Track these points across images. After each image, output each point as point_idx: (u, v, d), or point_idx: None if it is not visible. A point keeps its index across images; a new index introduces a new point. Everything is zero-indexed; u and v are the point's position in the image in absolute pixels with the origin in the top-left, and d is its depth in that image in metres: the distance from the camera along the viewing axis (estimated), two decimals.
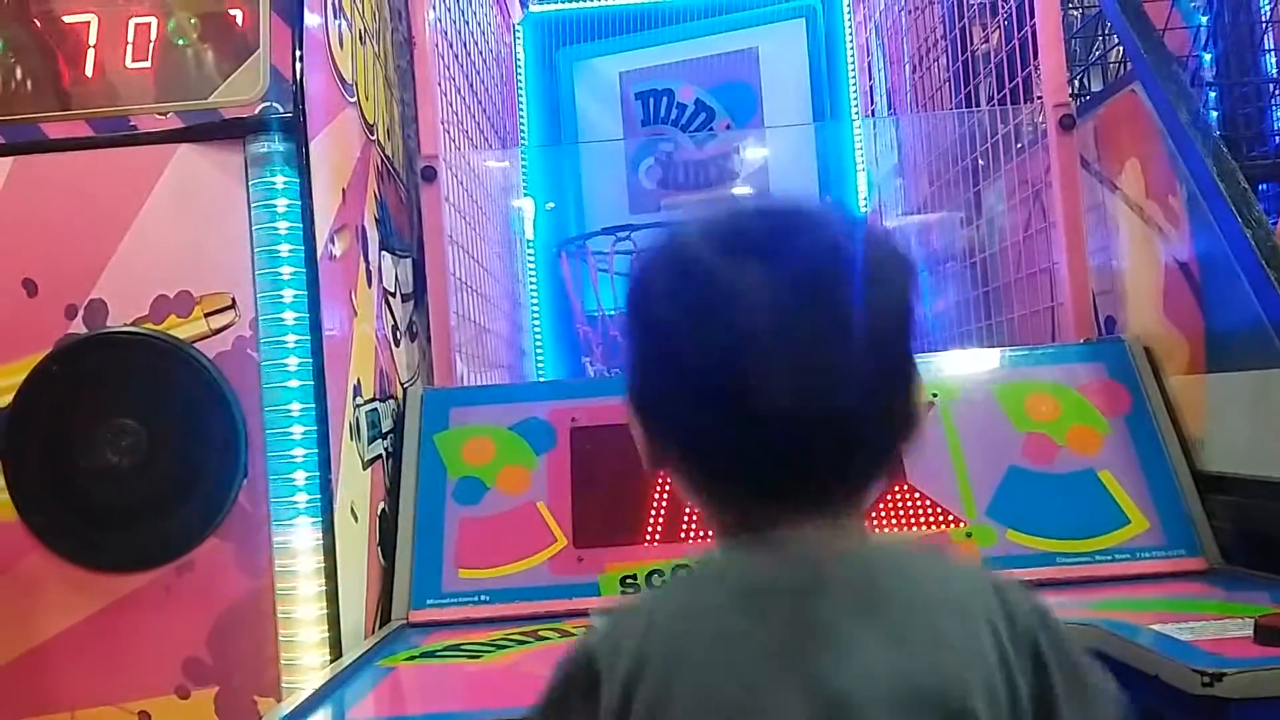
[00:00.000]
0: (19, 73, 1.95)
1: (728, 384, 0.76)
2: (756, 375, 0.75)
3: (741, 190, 3.51)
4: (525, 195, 3.61)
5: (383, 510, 2.00)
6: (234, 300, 1.70)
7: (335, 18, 1.93)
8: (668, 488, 2.01)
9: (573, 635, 1.71)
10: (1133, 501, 1.95)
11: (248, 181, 1.70)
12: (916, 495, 1.97)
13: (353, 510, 1.82)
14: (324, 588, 1.68)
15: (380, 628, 1.88)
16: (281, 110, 1.70)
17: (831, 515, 0.79)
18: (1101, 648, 1.46)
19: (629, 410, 0.85)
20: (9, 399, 1.69)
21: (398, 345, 2.24)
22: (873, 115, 3.58)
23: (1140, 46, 2.03)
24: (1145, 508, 1.94)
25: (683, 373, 0.79)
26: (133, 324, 1.70)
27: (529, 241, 3.59)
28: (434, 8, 2.48)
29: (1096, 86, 3.19)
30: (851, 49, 3.65)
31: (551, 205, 3.65)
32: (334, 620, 1.69)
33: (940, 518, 1.95)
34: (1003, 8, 2.59)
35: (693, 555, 1.87)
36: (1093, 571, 1.87)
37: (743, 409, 0.76)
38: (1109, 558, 1.89)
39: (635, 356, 0.85)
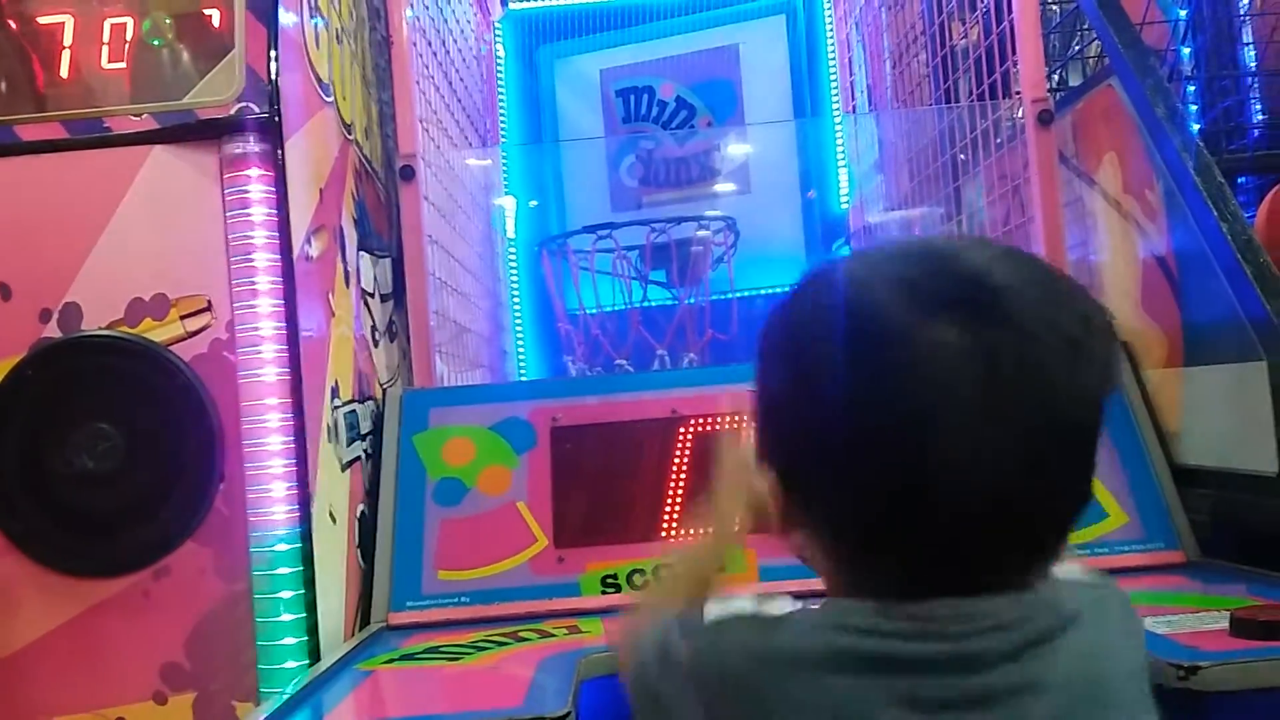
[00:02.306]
0: None
1: (910, 464, 0.67)
2: (948, 460, 0.66)
3: (721, 187, 3.50)
4: (506, 193, 3.60)
5: (362, 512, 1.99)
6: (210, 303, 1.69)
7: (311, 17, 1.92)
8: (648, 487, 2.01)
9: (553, 636, 1.72)
10: (1111, 495, 1.95)
11: (223, 182, 1.69)
12: None
13: (331, 513, 1.81)
14: (302, 592, 1.68)
15: (359, 630, 1.87)
16: (257, 110, 1.69)
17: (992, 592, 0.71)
18: None
19: (762, 465, 0.77)
20: None
21: (376, 346, 2.23)
22: (853, 111, 3.58)
23: (1117, 41, 2.04)
24: (1124, 502, 1.95)
25: (849, 444, 0.68)
26: (108, 327, 1.69)
27: (510, 240, 3.58)
28: (412, 6, 2.47)
29: (1075, 81, 3.20)
30: (832, 45, 3.65)
31: (534, 203, 3.64)
32: (312, 624, 1.68)
33: None
34: (981, 3, 2.60)
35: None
36: None
37: (922, 497, 0.67)
38: (1088, 552, 1.89)
39: (783, 408, 0.75)
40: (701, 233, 3.09)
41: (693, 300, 3.10)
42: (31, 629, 1.69)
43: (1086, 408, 0.69)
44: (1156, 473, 1.96)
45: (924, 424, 0.66)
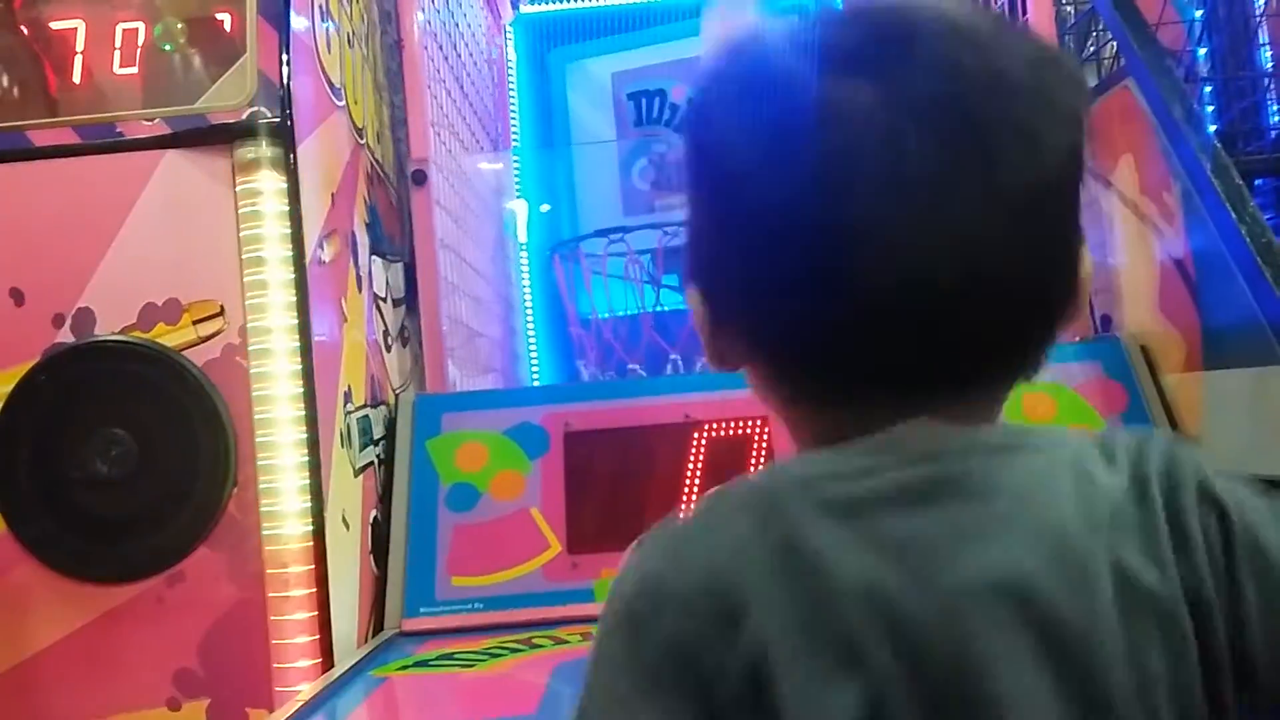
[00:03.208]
0: (5, 80, 1.94)
1: (835, 245, 0.56)
2: (877, 234, 0.55)
3: None
4: (518, 197, 3.60)
5: (375, 518, 1.98)
6: (222, 308, 1.69)
7: (323, 21, 1.91)
8: (661, 492, 2.00)
9: (567, 642, 1.71)
10: None
11: (236, 187, 1.69)
12: None
13: (344, 518, 1.81)
14: (316, 597, 1.67)
15: (373, 636, 1.86)
16: (269, 115, 1.69)
17: (961, 408, 0.60)
18: None
19: (687, 290, 0.66)
20: None
21: (389, 351, 2.22)
22: None
23: (1133, 41, 2.02)
24: None
25: (770, 234, 0.58)
26: (121, 333, 1.69)
27: (521, 244, 3.58)
28: (423, 9, 2.47)
29: (1091, 82, 3.18)
30: None
31: (546, 208, 3.64)
32: (326, 629, 1.67)
33: None
34: (995, 4, 2.58)
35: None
36: None
37: (856, 279, 0.56)
38: None
39: (698, 214, 0.65)
40: None
41: None
42: (45, 635, 1.68)
43: (1038, 159, 0.57)
44: None
45: (841, 200, 0.55)
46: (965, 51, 0.57)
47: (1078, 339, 2.19)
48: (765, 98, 0.58)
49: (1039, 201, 0.58)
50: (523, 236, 3.58)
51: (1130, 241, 2.17)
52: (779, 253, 0.58)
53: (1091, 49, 3.17)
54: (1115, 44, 2.52)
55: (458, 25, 2.96)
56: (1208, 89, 3.16)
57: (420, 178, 2.32)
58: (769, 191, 0.57)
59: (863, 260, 0.56)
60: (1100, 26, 2.87)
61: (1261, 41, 3.17)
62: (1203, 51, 3.01)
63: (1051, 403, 2.04)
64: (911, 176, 0.55)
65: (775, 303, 0.60)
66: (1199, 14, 3.12)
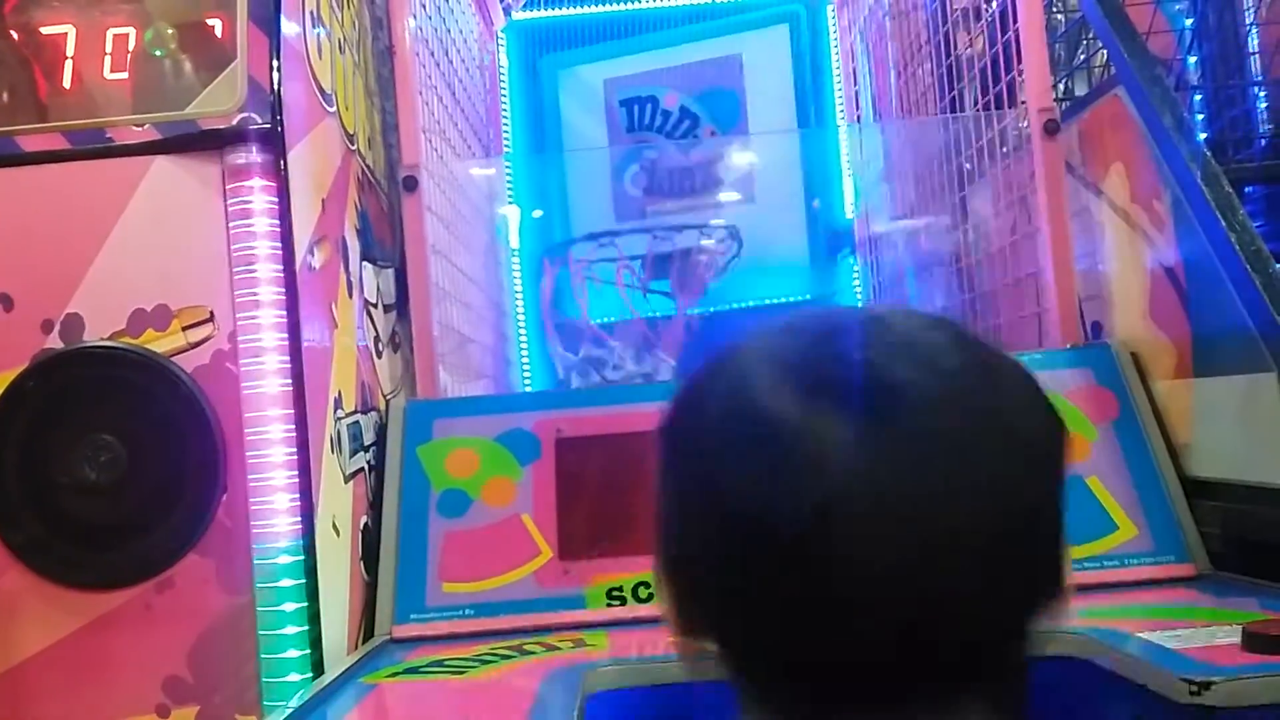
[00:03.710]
0: None
1: (809, 555, 0.59)
2: (849, 547, 0.58)
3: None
4: (510, 203, 3.59)
5: (365, 524, 1.97)
6: (212, 313, 1.68)
7: (314, 27, 1.91)
8: (654, 498, 2.00)
9: (558, 649, 1.70)
10: (1121, 508, 1.94)
11: (225, 193, 1.68)
12: None
13: (334, 525, 1.80)
14: (305, 604, 1.66)
15: (363, 643, 1.86)
16: (259, 121, 1.69)
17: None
18: (1090, 657, 1.46)
19: (656, 573, 0.70)
20: None
21: (380, 357, 2.22)
22: (859, 119, 3.57)
23: (1123, 50, 2.03)
24: (1134, 514, 1.93)
25: (746, 539, 0.61)
26: (110, 338, 1.68)
27: (514, 250, 3.57)
28: (415, 15, 2.47)
29: (1081, 90, 3.19)
30: (836, 55, 3.64)
31: (539, 214, 3.63)
32: (315, 637, 1.67)
33: None
34: (986, 12, 2.59)
35: None
36: (1081, 579, 1.85)
37: (826, 590, 0.59)
38: (1097, 564, 1.88)
39: (671, 506, 0.69)
40: (706, 241, 3.09)
41: (694, 310, 3.09)
42: (33, 642, 1.68)
43: (1005, 505, 0.60)
44: (1166, 484, 1.94)
45: (822, 535, 0.58)
46: (954, 394, 0.61)
47: (1068, 345, 2.19)
48: (738, 417, 0.62)
49: (1013, 532, 0.61)
50: (515, 242, 3.58)
51: (1121, 249, 2.18)
52: (759, 563, 0.61)
53: (1082, 57, 3.18)
54: (1106, 52, 2.53)
55: (449, 31, 2.96)
56: (1198, 97, 3.18)
57: (411, 184, 2.31)
58: (734, 502, 0.61)
59: (824, 584, 0.59)
60: (1091, 34, 2.89)
61: (1251, 50, 3.18)
62: (1193, 60, 3.02)
63: None
64: (884, 510, 0.58)
65: (725, 604, 0.64)
66: (1189, 22, 3.13)
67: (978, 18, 2.85)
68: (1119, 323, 2.20)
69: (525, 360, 3.52)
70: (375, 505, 2.02)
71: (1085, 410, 2.04)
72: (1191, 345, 1.95)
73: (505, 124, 3.72)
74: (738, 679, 0.67)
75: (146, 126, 1.72)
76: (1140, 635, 1.49)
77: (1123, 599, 1.77)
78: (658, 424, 0.71)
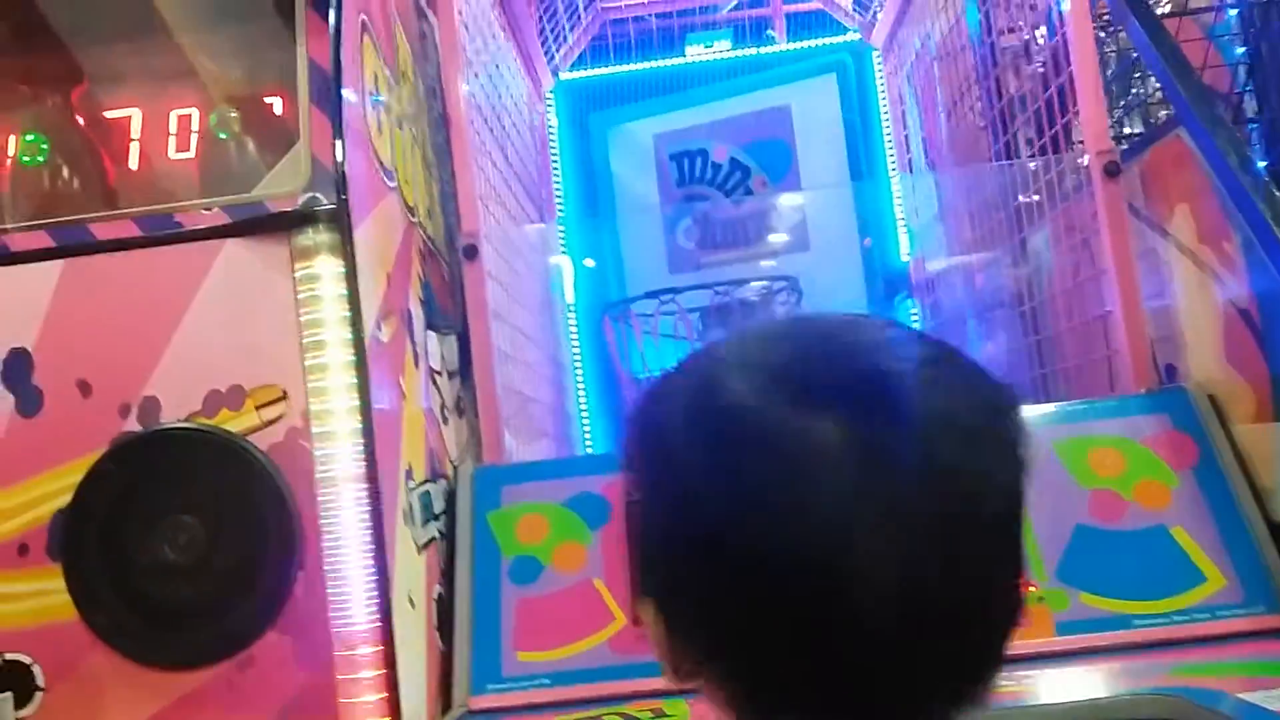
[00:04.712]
0: (65, 172, 1.99)
1: (799, 578, 0.58)
2: (840, 566, 0.57)
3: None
4: (564, 257, 3.62)
5: (439, 594, 1.98)
6: (285, 392, 1.70)
7: (373, 106, 1.95)
8: None
9: (636, 719, 1.68)
10: (1207, 557, 1.89)
11: (294, 273, 1.70)
12: None
13: (410, 597, 1.80)
14: (385, 679, 1.66)
15: (442, 715, 1.85)
16: (325, 201, 1.71)
17: None
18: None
19: (640, 604, 0.67)
20: (68, 499, 1.69)
21: (446, 423, 2.23)
22: (909, 165, 3.56)
23: (1183, 90, 2.00)
24: (1221, 563, 1.88)
25: (733, 563, 0.59)
26: (186, 420, 1.71)
27: (569, 305, 3.60)
28: (468, 81, 2.51)
29: (1133, 125, 3.16)
30: (884, 100, 3.65)
31: (590, 262, 3.66)
32: (395, 712, 1.66)
33: None
34: (1037, 54, 2.58)
35: None
36: (1171, 633, 1.81)
37: (802, 607, 0.58)
38: (1187, 618, 1.83)
39: (653, 525, 0.65)
40: (756, 282, 3.07)
41: None
42: None
43: (988, 498, 0.61)
44: (1254, 531, 1.89)
45: (809, 536, 0.57)
46: (935, 402, 0.60)
47: (1143, 390, 2.15)
48: (721, 426, 0.60)
49: (985, 534, 0.61)
50: (570, 297, 3.60)
51: (1191, 290, 2.14)
52: (729, 576, 0.59)
53: (1134, 92, 3.15)
54: (1160, 89, 2.51)
55: (500, 96, 3.01)
56: (1253, 127, 3.13)
57: (471, 252, 2.34)
58: (722, 515, 0.59)
59: (809, 587, 0.58)
60: (1141, 69, 2.86)
61: None
62: (1249, 92, 2.98)
63: (1120, 457, 2.00)
64: (861, 511, 0.57)
65: (725, 624, 0.61)
66: (1240, 50, 3.09)
67: (1027, 54, 2.84)
68: (1194, 365, 2.16)
69: (584, 413, 3.53)
70: (448, 574, 2.02)
71: (1165, 457, 2.00)
72: (1271, 386, 1.90)
73: (557, 182, 3.76)
74: (739, 709, 0.64)
75: (215, 210, 1.75)
76: (1239, 696, 1.44)
77: (1214, 654, 1.72)
78: (627, 431, 0.67)
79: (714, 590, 0.61)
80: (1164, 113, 3.05)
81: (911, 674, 0.60)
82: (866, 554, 0.57)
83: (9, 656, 1.70)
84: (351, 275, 1.71)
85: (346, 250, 1.71)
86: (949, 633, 0.60)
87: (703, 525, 0.60)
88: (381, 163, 1.97)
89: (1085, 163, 2.28)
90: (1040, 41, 2.79)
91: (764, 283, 3.06)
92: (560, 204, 3.73)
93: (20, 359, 1.73)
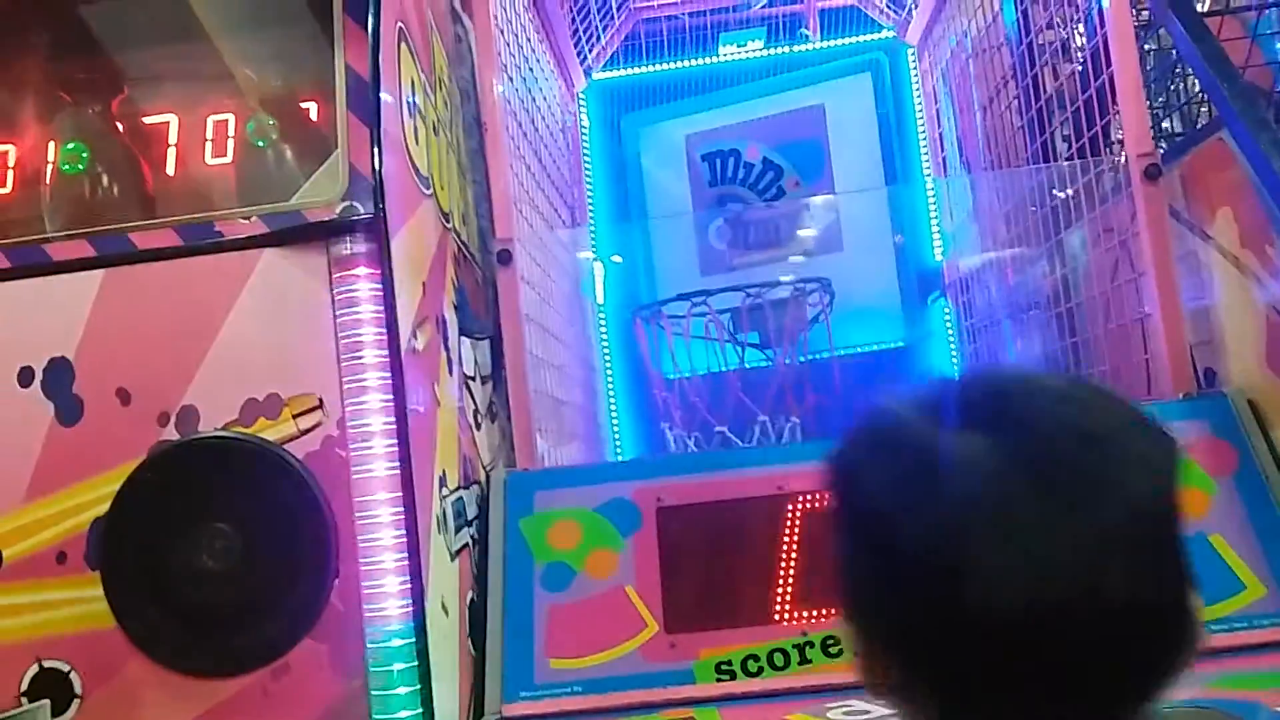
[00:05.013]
0: (105, 180, 2.01)
1: (953, 582, 0.63)
2: (986, 570, 0.63)
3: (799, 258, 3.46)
4: (595, 261, 3.62)
5: (472, 600, 1.98)
6: (321, 400, 1.71)
7: (410, 115, 1.95)
8: (757, 567, 1.98)
9: None
10: (1246, 566, 1.86)
11: (332, 283, 1.71)
12: None
13: (443, 604, 1.81)
14: (418, 687, 1.67)
15: None
16: (362, 210, 1.71)
17: None
18: None
19: (842, 620, 0.74)
20: (106, 507, 1.71)
21: (479, 429, 2.23)
22: (944, 163, 3.53)
23: (1226, 93, 1.97)
24: (1260, 572, 1.86)
25: (902, 572, 0.67)
26: (223, 428, 1.72)
27: (599, 305, 3.60)
28: (502, 83, 2.51)
29: (1175, 124, 3.12)
30: (919, 98, 3.61)
31: (618, 259, 3.65)
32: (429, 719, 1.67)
33: None
34: (1076, 55, 2.55)
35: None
36: (1209, 643, 1.78)
37: (974, 613, 0.63)
38: (1225, 627, 1.81)
39: (846, 553, 0.73)
40: (786, 278, 3.05)
41: (789, 360, 3.07)
42: None
43: (1132, 506, 0.64)
44: None
45: (964, 539, 0.63)
46: (1065, 414, 0.67)
47: (1181, 395, 2.12)
48: (898, 457, 0.69)
49: (1131, 539, 0.64)
50: (600, 298, 3.60)
51: (1232, 294, 2.11)
52: (911, 588, 0.66)
53: (1171, 87, 3.11)
54: (1198, 83, 2.47)
55: (533, 98, 3.00)
56: None
57: (506, 257, 2.34)
58: (901, 533, 0.66)
59: (978, 595, 0.63)
60: (1179, 68, 2.82)
61: None
62: None
63: None
64: (1015, 520, 0.63)
65: (910, 634, 0.68)
66: None
67: (1066, 53, 2.80)
68: (1234, 370, 2.13)
69: (614, 416, 3.53)
70: (480, 580, 2.02)
71: (1203, 463, 1.98)
72: None
73: (588, 183, 3.76)
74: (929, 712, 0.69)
75: (254, 219, 1.76)
76: (1277, 710, 1.42)
77: (1253, 664, 1.70)
78: (826, 479, 0.76)
79: (892, 601, 0.68)
80: (1202, 108, 3.01)
81: (1092, 683, 0.64)
82: (1006, 559, 0.63)
83: (47, 664, 1.72)
84: (388, 285, 1.71)
85: (383, 260, 1.71)
86: (1099, 634, 0.63)
87: (881, 540, 0.68)
88: (418, 170, 1.97)
89: (1125, 164, 2.25)
90: (1079, 40, 2.75)
91: (796, 285, 3.04)
92: (591, 205, 3.73)
93: (61, 368, 1.75)
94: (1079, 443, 0.65)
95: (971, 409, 0.68)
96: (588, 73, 3.76)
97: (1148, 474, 0.66)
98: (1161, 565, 0.66)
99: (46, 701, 1.69)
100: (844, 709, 1.68)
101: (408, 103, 1.94)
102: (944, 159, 3.54)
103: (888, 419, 0.72)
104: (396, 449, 1.70)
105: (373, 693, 1.67)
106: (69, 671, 1.72)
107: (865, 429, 0.74)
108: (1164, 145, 2.67)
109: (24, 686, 1.72)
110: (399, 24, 1.94)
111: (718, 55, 3.76)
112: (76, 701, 1.71)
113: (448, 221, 2.16)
